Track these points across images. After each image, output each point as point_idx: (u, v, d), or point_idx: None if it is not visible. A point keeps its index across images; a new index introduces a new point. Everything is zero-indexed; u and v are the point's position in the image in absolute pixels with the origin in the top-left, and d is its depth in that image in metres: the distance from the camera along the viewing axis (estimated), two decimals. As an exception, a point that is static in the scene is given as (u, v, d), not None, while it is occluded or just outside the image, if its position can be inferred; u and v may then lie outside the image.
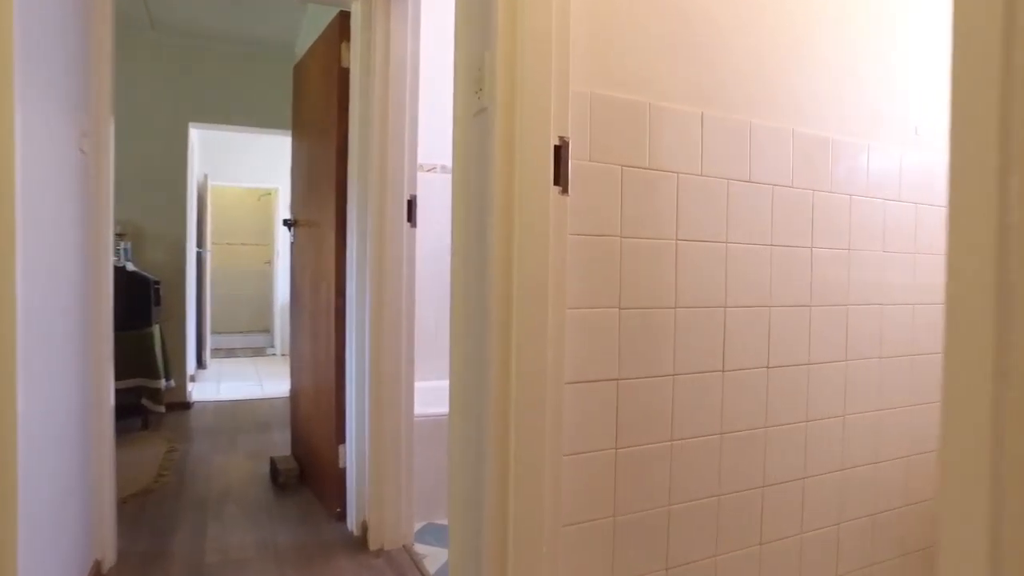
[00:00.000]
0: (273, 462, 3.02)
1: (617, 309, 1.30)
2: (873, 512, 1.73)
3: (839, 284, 1.63)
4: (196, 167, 5.54)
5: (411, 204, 2.25)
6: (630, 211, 1.31)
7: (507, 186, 1.15)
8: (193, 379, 5.14)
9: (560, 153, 1.19)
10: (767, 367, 1.51)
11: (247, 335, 8.06)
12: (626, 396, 1.31)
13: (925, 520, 1.87)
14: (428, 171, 3.09)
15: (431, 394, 2.93)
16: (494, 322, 1.15)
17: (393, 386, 2.23)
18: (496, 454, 1.16)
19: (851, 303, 1.66)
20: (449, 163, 3.38)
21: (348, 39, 2.37)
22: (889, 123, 1.72)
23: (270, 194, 7.69)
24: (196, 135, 5.53)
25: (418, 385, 2.39)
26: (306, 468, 2.94)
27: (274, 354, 7.36)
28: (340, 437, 2.45)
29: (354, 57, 2.31)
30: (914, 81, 1.77)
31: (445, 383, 3.26)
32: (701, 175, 1.40)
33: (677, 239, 1.37)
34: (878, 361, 1.72)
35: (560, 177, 1.19)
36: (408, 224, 2.25)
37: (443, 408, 2.71)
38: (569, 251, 1.22)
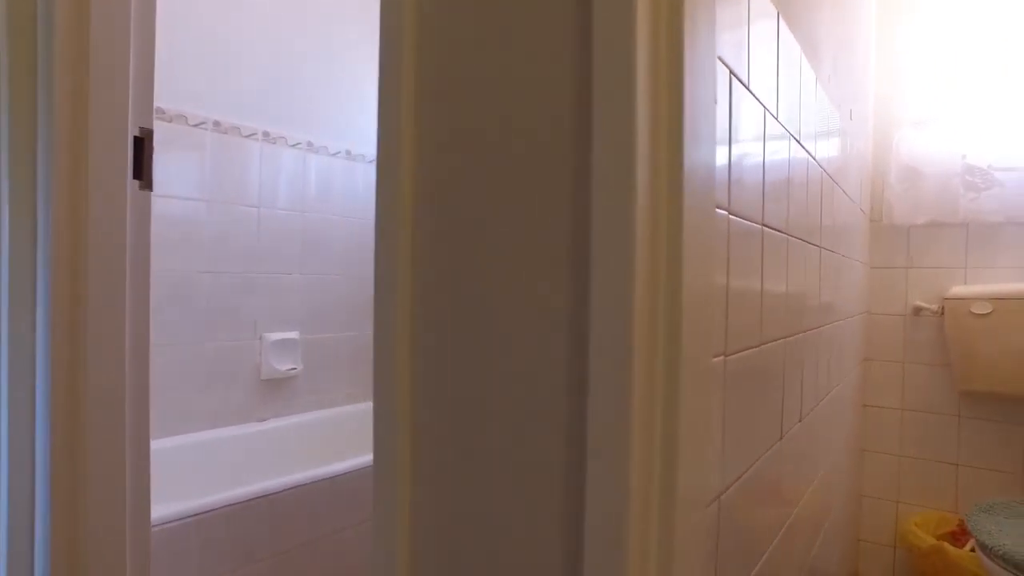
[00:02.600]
0: None
1: (723, 357, 0.66)
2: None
3: (828, 295, 1.25)
4: None
5: (142, 145, 1.25)
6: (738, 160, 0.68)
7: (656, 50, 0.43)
8: None
9: None
10: (800, 419, 1.04)
11: None
12: (727, 517, 0.69)
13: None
14: (165, 121, 1.94)
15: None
16: (632, 395, 0.42)
17: (107, 480, 1.19)
18: None
19: (833, 320, 1.30)
20: (192, 112, 2.17)
21: None
22: (838, 100, 1.41)
23: None
24: None
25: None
26: None
27: None
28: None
29: None
30: (848, 56, 1.50)
31: (161, 444, 2.03)
32: (776, 116, 0.84)
33: (763, 224, 0.79)
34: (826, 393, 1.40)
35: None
36: (136, 182, 1.24)
37: (184, 503, 1.55)
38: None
